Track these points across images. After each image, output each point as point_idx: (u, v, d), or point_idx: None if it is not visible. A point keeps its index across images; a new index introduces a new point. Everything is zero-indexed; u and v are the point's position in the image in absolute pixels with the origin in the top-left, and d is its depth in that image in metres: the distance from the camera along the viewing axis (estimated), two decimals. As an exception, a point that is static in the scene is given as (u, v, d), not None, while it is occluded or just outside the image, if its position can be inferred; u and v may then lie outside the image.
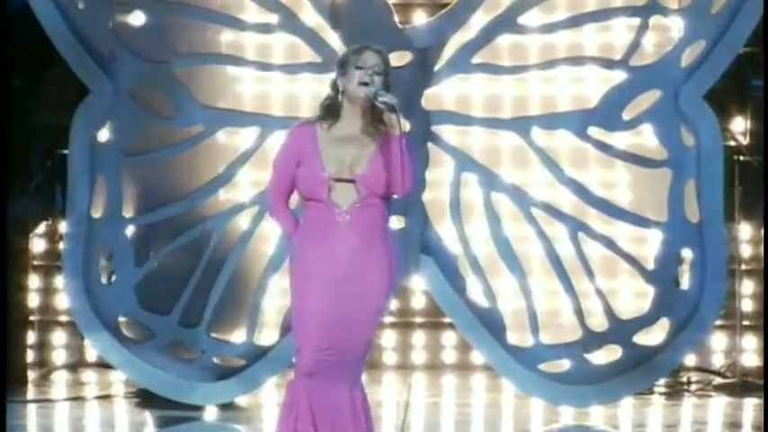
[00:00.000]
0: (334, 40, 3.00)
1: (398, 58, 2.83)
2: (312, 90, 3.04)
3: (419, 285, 3.35)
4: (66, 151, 3.02)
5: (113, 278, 3.01)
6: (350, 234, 1.16)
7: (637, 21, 3.00)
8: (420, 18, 3.09)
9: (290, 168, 1.24)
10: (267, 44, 3.09)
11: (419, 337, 3.66)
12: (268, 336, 3.05)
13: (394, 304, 3.28)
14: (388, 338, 3.56)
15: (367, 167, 1.18)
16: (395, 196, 1.23)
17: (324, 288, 1.15)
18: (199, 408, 2.90)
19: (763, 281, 2.98)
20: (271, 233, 2.98)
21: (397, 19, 3.02)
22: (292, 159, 1.21)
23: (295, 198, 1.28)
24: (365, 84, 1.15)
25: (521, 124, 3.03)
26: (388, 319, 3.39)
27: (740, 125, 3.27)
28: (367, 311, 1.21)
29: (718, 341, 3.34)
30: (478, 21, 3.01)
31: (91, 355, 3.33)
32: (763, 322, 3.06)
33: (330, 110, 1.21)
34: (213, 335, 3.03)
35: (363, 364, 1.24)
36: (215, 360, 3.04)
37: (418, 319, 3.68)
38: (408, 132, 1.45)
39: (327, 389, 1.15)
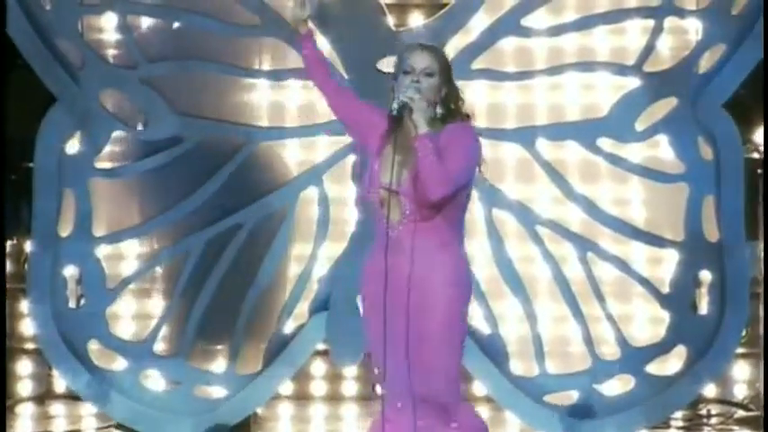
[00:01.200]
0: (323, 44, 2.75)
1: (392, 64, 2.56)
2: (299, 98, 2.81)
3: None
4: (31, 164, 2.77)
5: (83, 302, 2.75)
6: (404, 251, 1.08)
7: (651, 23, 2.75)
8: (416, 20, 2.84)
9: (367, 114, 1.24)
10: (251, 49, 2.83)
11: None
12: (251, 364, 2.80)
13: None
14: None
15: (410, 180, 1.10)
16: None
17: (381, 310, 1.07)
18: (177, 442, 2.65)
19: (764, 298, 2.73)
20: (256, 253, 2.75)
21: (390, 21, 2.78)
22: (374, 119, 1.19)
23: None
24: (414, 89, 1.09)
25: (525, 135, 2.79)
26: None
27: (763, 136, 3.03)
28: (437, 335, 1.10)
29: (740, 371, 3.08)
30: (479, 23, 2.77)
31: (59, 385, 3.07)
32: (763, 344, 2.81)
33: (393, 119, 1.13)
34: (192, 364, 2.77)
35: (452, 397, 1.12)
36: (194, 391, 2.77)
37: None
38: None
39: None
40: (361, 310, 1.25)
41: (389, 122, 1.14)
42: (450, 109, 1.16)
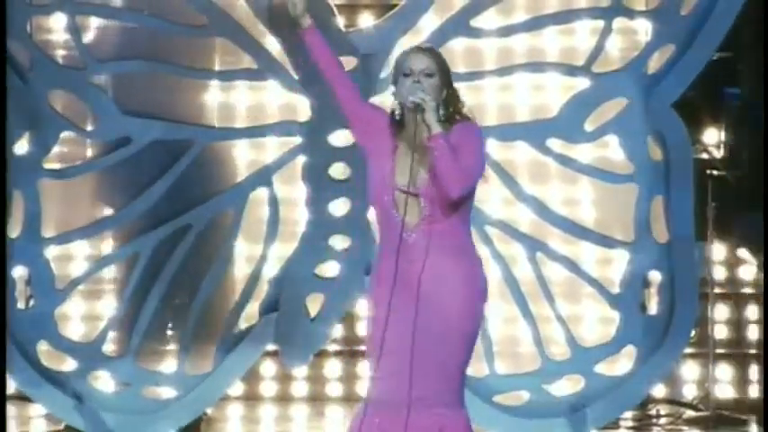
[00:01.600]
0: (273, 44, 2.76)
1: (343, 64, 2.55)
2: (248, 99, 2.81)
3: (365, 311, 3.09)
4: (-20, 166, 2.74)
5: (32, 303, 2.74)
6: (421, 254, 1.08)
7: (600, 24, 2.74)
8: (366, 20, 2.83)
9: (370, 113, 1.26)
10: (202, 49, 2.82)
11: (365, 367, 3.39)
12: (202, 365, 2.79)
13: (339, 331, 3.03)
14: (333, 368, 3.28)
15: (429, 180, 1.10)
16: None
17: (395, 314, 1.06)
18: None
19: (764, 304, 2.71)
20: (206, 254, 2.74)
21: (340, 21, 2.77)
22: (377, 119, 1.20)
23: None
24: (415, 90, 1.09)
25: (476, 135, 2.76)
26: (332, 347, 3.14)
27: (713, 137, 3.03)
28: (449, 340, 1.11)
29: (689, 371, 3.08)
30: (429, 23, 2.76)
31: (8, 387, 3.05)
32: (763, 350, 2.80)
33: (396, 123, 1.17)
34: (141, 364, 2.76)
35: (452, 403, 1.13)
36: (144, 392, 2.76)
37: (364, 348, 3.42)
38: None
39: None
40: (372, 313, 1.19)
41: (395, 124, 1.17)
42: (452, 109, 1.18)
